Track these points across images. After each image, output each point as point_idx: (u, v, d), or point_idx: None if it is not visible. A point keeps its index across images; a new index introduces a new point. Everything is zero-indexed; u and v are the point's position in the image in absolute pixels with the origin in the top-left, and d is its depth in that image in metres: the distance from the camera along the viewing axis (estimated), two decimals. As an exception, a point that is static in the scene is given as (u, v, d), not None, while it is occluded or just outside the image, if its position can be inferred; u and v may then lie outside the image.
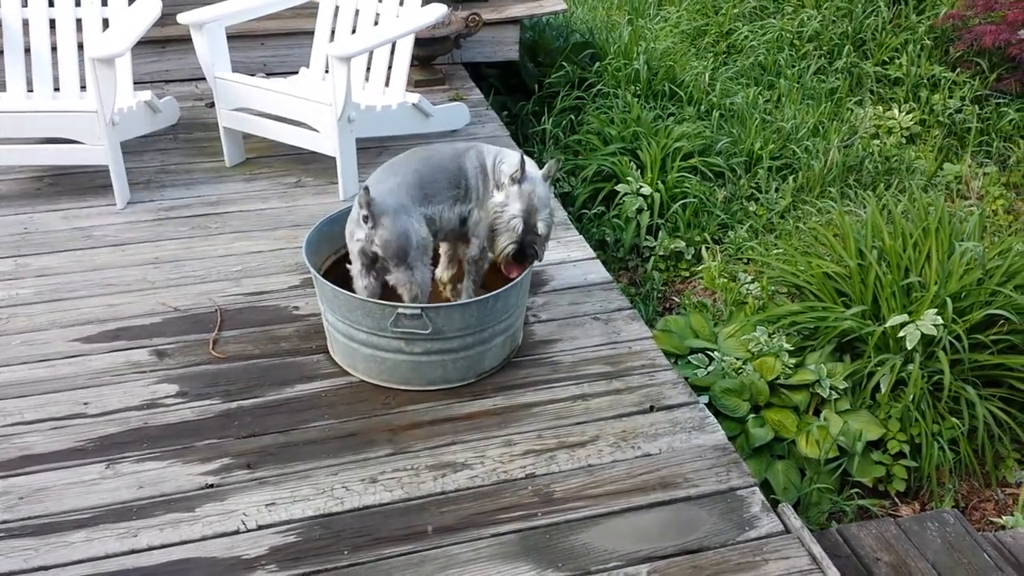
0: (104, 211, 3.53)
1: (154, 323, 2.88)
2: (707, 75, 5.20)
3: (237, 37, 4.01)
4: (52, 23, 3.82)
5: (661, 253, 4.06)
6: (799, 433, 2.90)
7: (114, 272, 3.14)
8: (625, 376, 2.70)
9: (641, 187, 4.19)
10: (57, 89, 3.86)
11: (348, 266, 2.64)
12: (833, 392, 2.98)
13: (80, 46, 3.79)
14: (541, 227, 2.61)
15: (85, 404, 2.53)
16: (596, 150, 4.51)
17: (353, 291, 2.59)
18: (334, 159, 3.62)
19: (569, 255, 3.32)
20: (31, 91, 3.85)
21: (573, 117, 4.87)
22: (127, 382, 2.62)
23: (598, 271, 3.23)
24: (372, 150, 3.98)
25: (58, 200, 3.62)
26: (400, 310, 2.45)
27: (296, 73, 4.20)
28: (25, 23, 3.79)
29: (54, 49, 3.83)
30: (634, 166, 4.33)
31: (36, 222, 3.46)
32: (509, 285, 2.57)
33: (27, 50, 3.81)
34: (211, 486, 2.27)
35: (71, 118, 3.40)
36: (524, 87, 5.27)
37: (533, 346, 2.83)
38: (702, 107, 5.01)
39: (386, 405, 2.56)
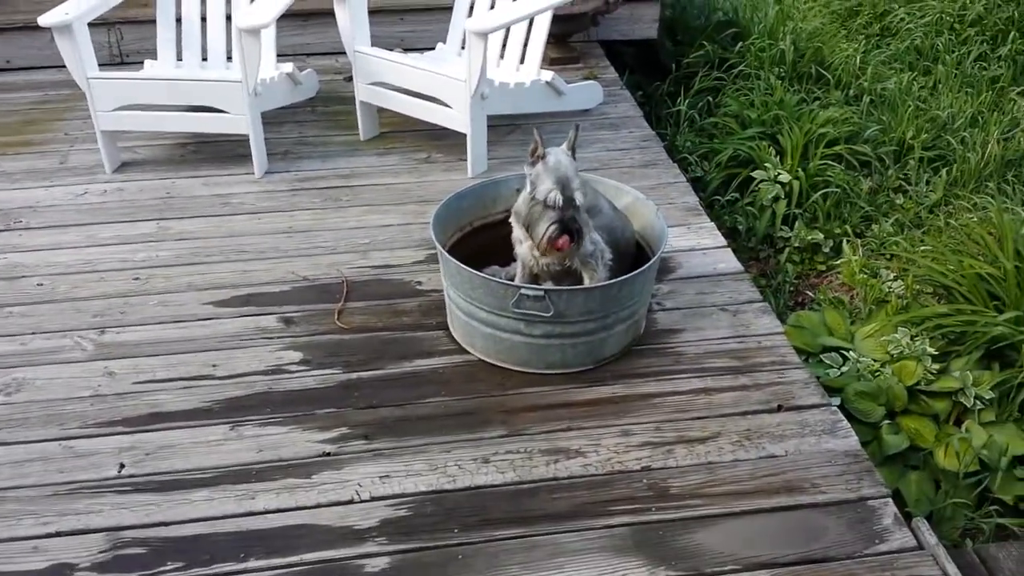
0: (242, 179, 3.64)
1: (283, 291, 2.95)
2: (858, 58, 4.94)
3: (377, 12, 4.04)
4: (202, -6, 3.95)
5: (796, 245, 3.87)
6: (937, 444, 2.71)
7: (249, 239, 3.23)
8: (752, 372, 2.59)
9: (779, 174, 4.00)
10: (204, 59, 4.00)
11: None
12: (978, 402, 2.77)
13: (228, 17, 3.90)
14: (579, 197, 2.44)
15: (214, 366, 2.61)
16: (733, 134, 4.34)
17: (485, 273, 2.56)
18: (465, 136, 3.61)
19: (699, 242, 3.20)
20: (180, 60, 3.99)
21: (711, 99, 4.70)
22: (255, 347, 2.69)
23: (728, 260, 3.10)
24: (503, 128, 3.95)
25: (200, 167, 3.75)
26: (523, 291, 2.41)
27: (433, 48, 4.22)
28: (177, -7, 3.93)
29: (203, 19, 3.96)
30: (773, 152, 4.14)
31: (178, 187, 3.59)
32: (636, 272, 2.49)
33: (178, 20, 3.95)
34: (328, 454, 2.30)
35: (217, 87, 3.50)
36: (661, 67, 5.13)
37: (656, 335, 2.74)
38: (851, 92, 4.75)
39: (502, 386, 2.53)
